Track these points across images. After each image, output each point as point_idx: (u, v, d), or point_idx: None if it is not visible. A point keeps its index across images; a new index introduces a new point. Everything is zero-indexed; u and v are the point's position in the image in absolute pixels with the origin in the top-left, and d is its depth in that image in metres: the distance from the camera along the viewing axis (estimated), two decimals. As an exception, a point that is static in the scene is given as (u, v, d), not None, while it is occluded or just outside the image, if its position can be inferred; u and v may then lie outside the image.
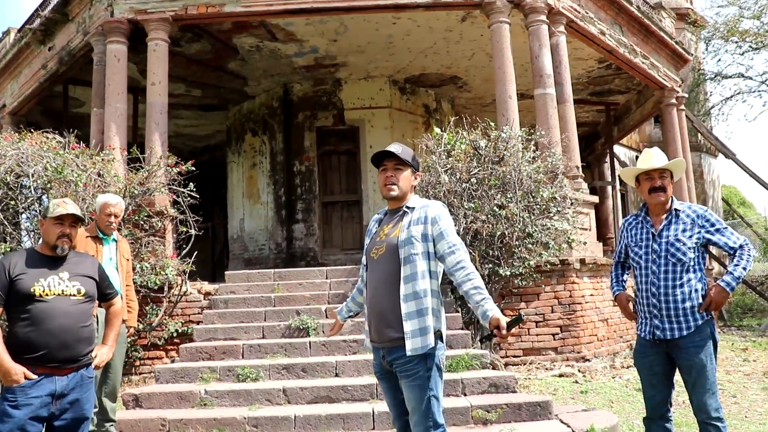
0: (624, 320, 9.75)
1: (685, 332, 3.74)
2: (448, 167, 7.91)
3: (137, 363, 8.00)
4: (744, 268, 3.75)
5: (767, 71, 22.86)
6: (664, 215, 3.92)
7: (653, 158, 3.95)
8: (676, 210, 3.90)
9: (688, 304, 3.75)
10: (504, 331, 3.01)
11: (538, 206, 8.08)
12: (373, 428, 5.36)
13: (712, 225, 3.84)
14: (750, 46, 20.56)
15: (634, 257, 4.02)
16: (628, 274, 4.27)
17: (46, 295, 3.48)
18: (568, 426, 5.15)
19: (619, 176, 18.23)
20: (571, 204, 8.64)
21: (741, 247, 3.79)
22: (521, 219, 7.80)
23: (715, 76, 21.80)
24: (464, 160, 8.01)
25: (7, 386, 3.37)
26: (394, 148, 3.41)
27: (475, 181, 7.83)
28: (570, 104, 10.27)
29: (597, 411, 5.76)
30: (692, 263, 3.79)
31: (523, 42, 10.18)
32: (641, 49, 12.63)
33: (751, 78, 21.72)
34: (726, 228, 3.85)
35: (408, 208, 3.41)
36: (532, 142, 8.52)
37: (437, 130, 8.39)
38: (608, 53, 11.81)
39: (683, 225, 3.84)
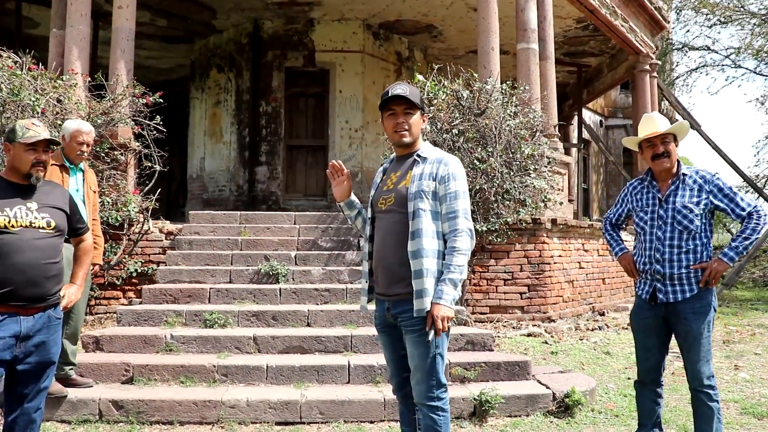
0: (588, 283, 9.77)
1: (688, 294, 3.66)
2: (430, 116, 7.64)
3: (92, 302, 7.61)
4: (747, 238, 3.64)
5: (732, 46, 22.97)
6: (671, 180, 3.79)
7: (656, 123, 3.79)
8: (683, 175, 3.76)
9: (692, 270, 3.66)
10: (440, 324, 2.89)
11: (516, 162, 7.90)
12: (348, 381, 5.17)
13: (720, 190, 3.70)
14: (718, 20, 20.67)
15: (638, 222, 3.90)
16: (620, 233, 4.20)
17: (13, 226, 3.12)
18: (548, 387, 5.05)
19: (584, 139, 18.32)
20: (549, 163, 8.50)
21: (750, 214, 3.65)
22: (500, 174, 7.61)
23: (682, 47, 21.94)
24: (446, 110, 7.75)
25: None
26: (402, 89, 3.13)
27: (457, 132, 7.59)
28: (551, 61, 10.08)
29: (574, 373, 5.69)
30: (698, 230, 3.68)
31: (506, -6, 9.88)
32: (622, 11, 12.45)
33: (716, 52, 21.97)
34: (736, 193, 3.70)
35: (419, 156, 3.15)
36: (514, 97, 8.29)
37: (420, 77, 8.08)
38: (590, 13, 11.60)
39: (690, 191, 3.71)
